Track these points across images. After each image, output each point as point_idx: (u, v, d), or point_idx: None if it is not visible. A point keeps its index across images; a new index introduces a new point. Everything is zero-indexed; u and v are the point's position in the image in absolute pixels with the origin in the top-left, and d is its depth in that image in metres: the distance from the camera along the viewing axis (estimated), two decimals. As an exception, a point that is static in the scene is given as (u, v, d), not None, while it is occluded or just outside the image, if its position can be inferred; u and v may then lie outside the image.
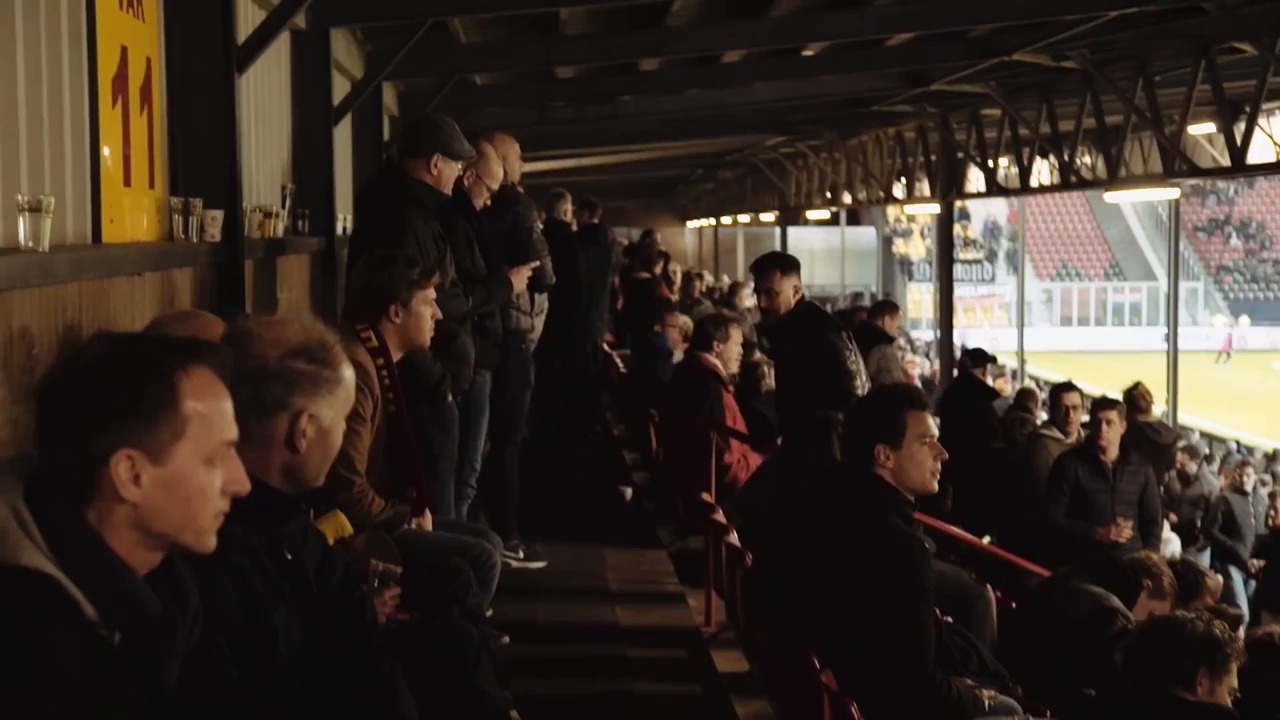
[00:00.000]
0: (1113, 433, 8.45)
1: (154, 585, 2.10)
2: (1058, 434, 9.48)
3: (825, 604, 4.13)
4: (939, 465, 4.24)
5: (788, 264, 7.05)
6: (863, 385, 6.91)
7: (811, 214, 31.72)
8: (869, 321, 11.66)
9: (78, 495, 2.04)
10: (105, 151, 4.56)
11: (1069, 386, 9.92)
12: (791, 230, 36.32)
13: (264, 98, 7.29)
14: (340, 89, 8.98)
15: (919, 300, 52.51)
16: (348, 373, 2.90)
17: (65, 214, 4.17)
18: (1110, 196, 20.75)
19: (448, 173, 5.74)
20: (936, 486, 4.34)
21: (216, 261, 5.43)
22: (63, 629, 1.94)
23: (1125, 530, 8.28)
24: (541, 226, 7.35)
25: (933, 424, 4.28)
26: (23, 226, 3.57)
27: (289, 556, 2.82)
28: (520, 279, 6.40)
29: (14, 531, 1.97)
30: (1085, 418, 9.35)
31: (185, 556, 2.16)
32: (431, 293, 4.65)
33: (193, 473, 2.09)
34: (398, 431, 4.58)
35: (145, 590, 2.07)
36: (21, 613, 1.91)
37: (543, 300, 7.42)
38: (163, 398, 2.07)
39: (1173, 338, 23.34)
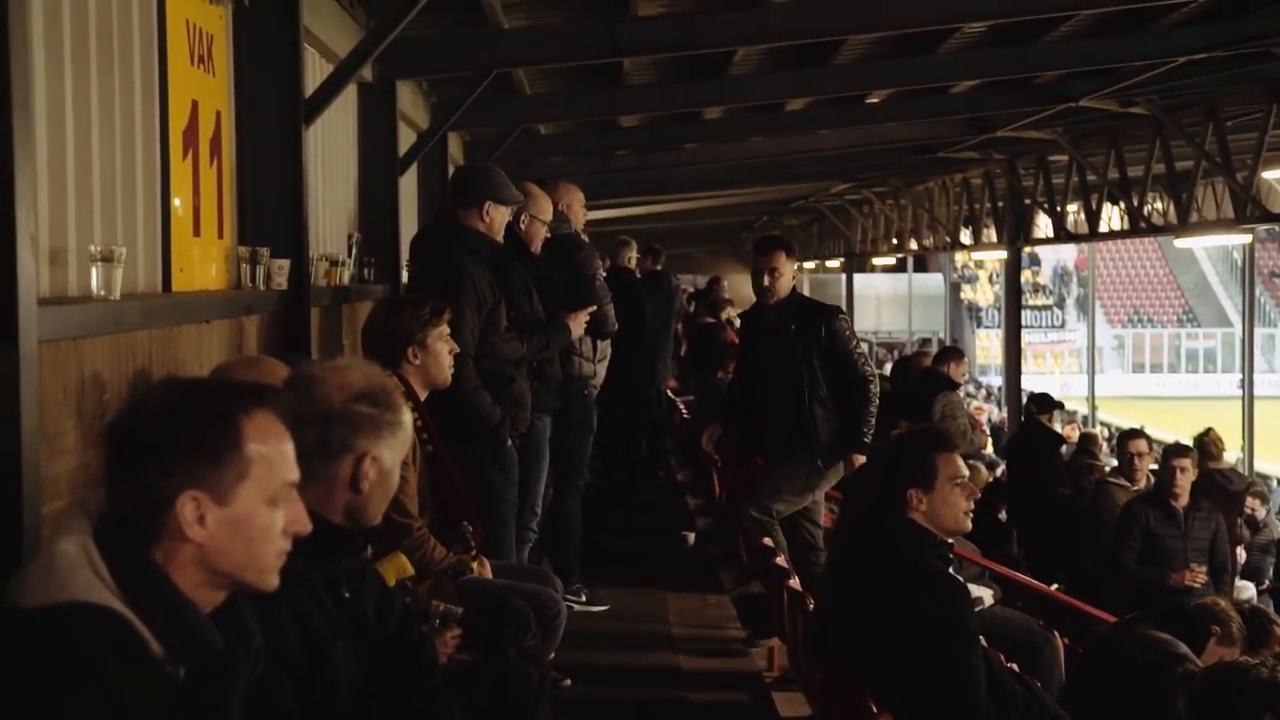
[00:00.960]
0: (1185, 480, 8.38)
1: (218, 623, 2.14)
2: (1124, 481, 9.40)
3: (873, 648, 4.13)
4: (972, 505, 4.25)
5: (791, 248, 7.02)
6: (873, 372, 7.01)
7: (878, 260, 31.67)
8: (934, 368, 11.61)
9: (145, 535, 2.09)
10: (176, 202, 4.66)
11: (1136, 433, 9.84)
12: (858, 277, 36.28)
13: (331, 148, 7.42)
14: (406, 139, 9.12)
15: (987, 346, 52.14)
16: (407, 416, 2.96)
17: (137, 263, 4.27)
18: (1181, 242, 20.57)
19: (499, 219, 5.83)
20: (970, 527, 4.35)
21: (283, 309, 5.52)
22: (130, 665, 1.98)
23: (1199, 575, 8.19)
24: (604, 274, 7.42)
25: (963, 465, 4.28)
26: (95, 276, 3.66)
27: (346, 594, 2.87)
28: (578, 324, 6.44)
29: (83, 569, 2.02)
30: (1153, 465, 9.27)
31: (248, 595, 2.21)
32: (445, 329, 4.70)
33: (256, 513, 2.14)
34: (439, 472, 4.64)
35: (210, 627, 2.11)
36: (90, 648, 1.96)
37: (605, 346, 7.48)
38: (227, 440, 2.12)
39: (1248, 383, 23.01)
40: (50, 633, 1.97)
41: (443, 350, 4.68)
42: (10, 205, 2.83)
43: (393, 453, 2.91)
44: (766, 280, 6.83)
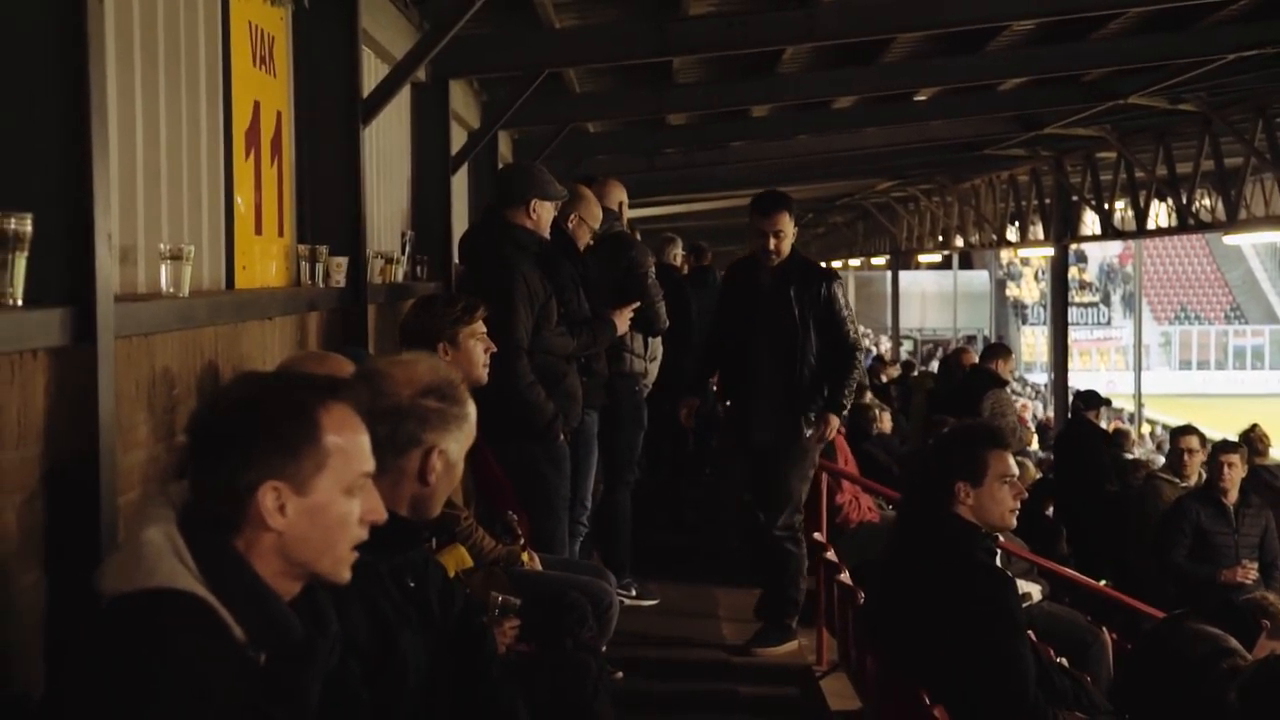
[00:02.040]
0: (1234, 475, 8.38)
1: (297, 611, 2.21)
2: (1173, 478, 9.38)
3: (923, 641, 4.18)
4: (1018, 504, 4.30)
5: (793, 206, 6.78)
6: (861, 341, 7.03)
7: (923, 257, 31.59)
8: (982, 365, 11.60)
9: (227, 524, 2.16)
10: (239, 201, 4.75)
11: (1187, 430, 9.80)
12: (903, 274, 36.18)
13: (386, 147, 7.51)
14: (457, 138, 9.20)
15: (1033, 344, 51.90)
16: (472, 409, 3.02)
17: (202, 261, 4.36)
18: (1230, 239, 20.44)
19: (545, 215, 5.91)
20: (1014, 524, 4.39)
21: (342, 306, 5.61)
22: (215, 649, 2.05)
23: (1251, 572, 8.18)
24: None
25: (1013, 463, 4.32)
26: (164, 273, 3.75)
27: (412, 584, 2.95)
28: (623, 320, 6.50)
29: (169, 557, 2.10)
30: (1203, 460, 9.25)
31: (323, 587, 2.29)
32: (479, 327, 4.72)
33: (334, 502, 2.22)
34: (479, 463, 4.71)
35: (289, 614, 2.19)
36: (177, 632, 2.03)
37: (656, 345, 7.55)
38: (305, 432, 2.20)
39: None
40: (138, 618, 2.05)
41: (476, 348, 4.70)
42: (89, 206, 2.91)
43: (459, 445, 2.97)
44: (772, 242, 6.60)
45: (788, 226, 6.63)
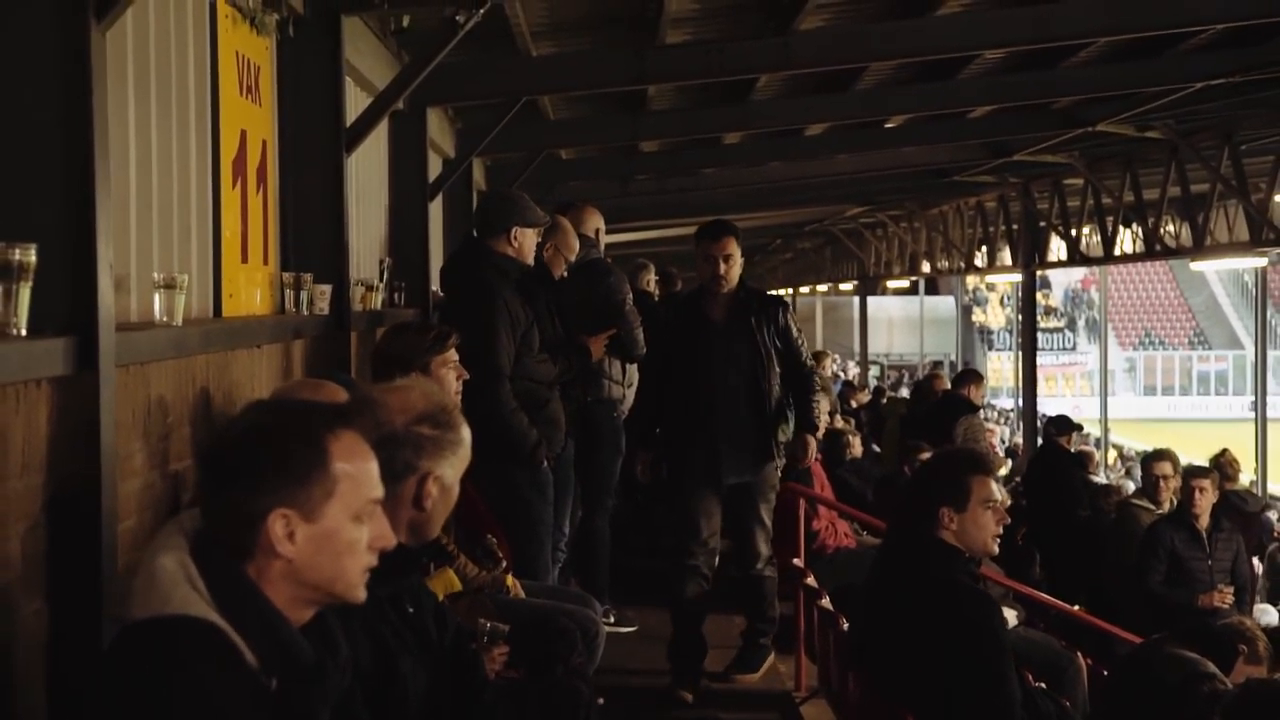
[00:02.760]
0: (1205, 501, 8.47)
1: (307, 635, 2.25)
2: (1148, 504, 9.42)
3: (906, 665, 4.22)
4: (1000, 529, 4.34)
5: (738, 232, 6.54)
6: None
7: (891, 283, 31.74)
8: (954, 391, 11.71)
9: (238, 551, 2.19)
10: (225, 230, 4.78)
11: (1160, 455, 9.81)
12: (870, 299, 36.35)
13: (364, 175, 7.55)
14: (433, 165, 9.24)
15: (999, 369, 52.13)
16: (466, 434, 3.05)
17: (191, 290, 4.37)
18: (1196, 265, 20.64)
19: (528, 242, 5.97)
20: (996, 550, 4.44)
21: (326, 333, 5.63)
22: (227, 674, 2.08)
23: (1227, 596, 8.27)
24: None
25: (996, 489, 4.36)
26: (158, 302, 3.77)
27: (410, 609, 2.97)
28: (598, 347, 6.55)
29: (182, 584, 2.13)
30: (1177, 485, 9.31)
31: (336, 608, 2.32)
32: (452, 355, 4.67)
33: (342, 529, 2.25)
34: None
35: (300, 639, 2.22)
36: (190, 658, 2.06)
37: (634, 371, 7.58)
38: (314, 460, 2.23)
39: (1260, 405, 23.04)
40: (155, 643, 2.08)
41: (448, 377, 4.65)
42: (91, 237, 2.94)
43: (454, 470, 3.00)
44: (721, 268, 6.34)
45: (736, 252, 6.41)
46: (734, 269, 6.39)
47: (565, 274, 6.81)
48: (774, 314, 6.46)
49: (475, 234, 6.17)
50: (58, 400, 2.91)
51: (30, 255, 2.77)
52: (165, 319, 3.75)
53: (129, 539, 3.22)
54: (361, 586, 2.29)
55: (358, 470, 2.28)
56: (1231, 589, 8.33)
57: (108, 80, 3.37)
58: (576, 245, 6.89)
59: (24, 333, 2.78)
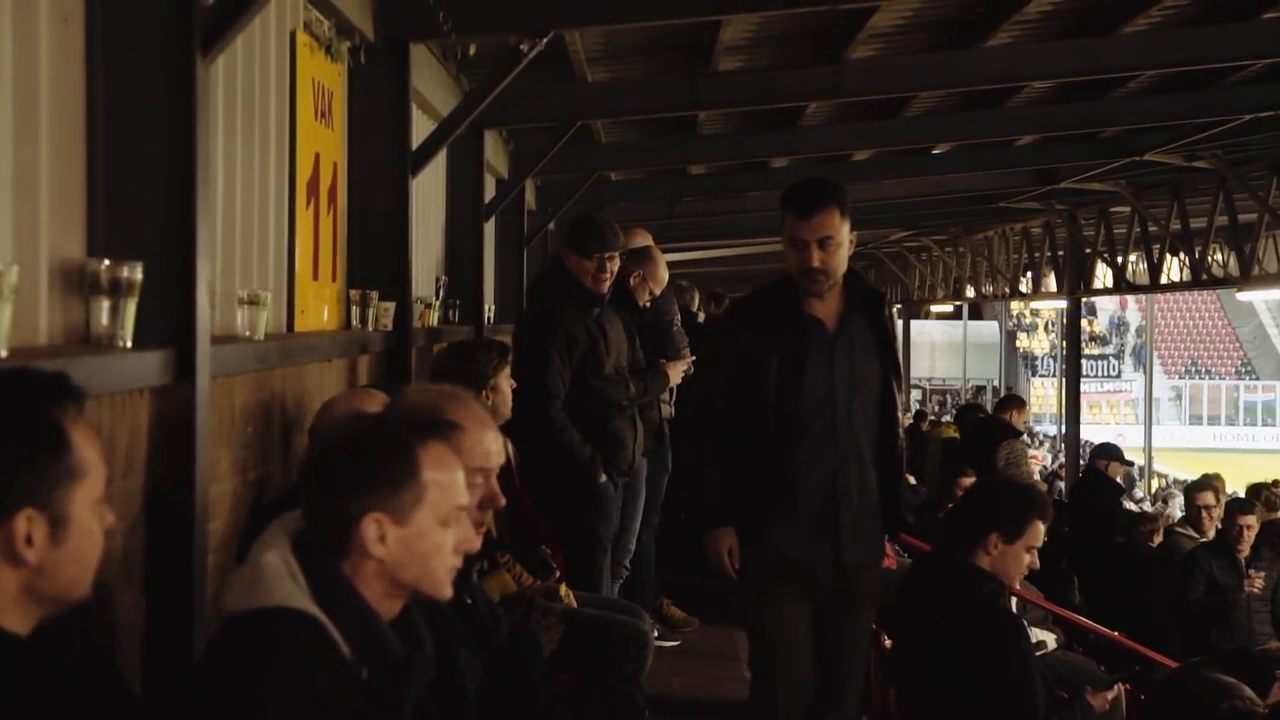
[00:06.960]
0: (1250, 535, 8.58)
1: (395, 631, 2.43)
2: (1192, 532, 9.49)
3: (934, 684, 4.33)
4: (1027, 571, 4.49)
5: (846, 201, 4.30)
6: None
7: (934, 307, 31.78)
8: (996, 416, 11.79)
9: (335, 550, 2.38)
10: (299, 249, 4.99)
11: (1202, 485, 9.90)
12: (913, 323, 36.39)
13: (425, 195, 7.76)
14: (488, 186, 9.45)
15: (1043, 395, 52.00)
16: (473, 428, 3.19)
17: (268, 305, 4.59)
18: (1243, 295, 20.61)
19: (608, 266, 6.04)
20: (1018, 586, 4.58)
21: (388, 348, 5.84)
22: (325, 663, 2.26)
23: (1256, 581, 8.39)
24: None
25: (1042, 536, 4.47)
26: (240, 318, 3.98)
27: (469, 601, 3.14)
28: (676, 372, 6.70)
29: (285, 579, 2.32)
30: (1220, 514, 9.39)
31: (424, 603, 2.50)
32: (508, 368, 4.93)
33: (430, 532, 2.43)
34: (513, 501, 4.90)
35: (390, 634, 2.40)
36: (295, 647, 2.25)
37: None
38: (406, 468, 2.41)
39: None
40: (259, 633, 2.27)
41: (507, 389, 4.91)
42: (192, 256, 3.15)
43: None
44: (816, 258, 4.20)
45: (840, 231, 4.23)
46: (835, 256, 4.24)
47: (647, 304, 6.83)
48: (883, 324, 4.45)
49: (559, 253, 6.32)
50: (157, 408, 3.11)
51: (137, 273, 2.97)
52: (248, 333, 3.95)
53: (216, 540, 3.42)
54: (448, 584, 2.47)
55: (445, 479, 2.46)
56: (1263, 574, 8.47)
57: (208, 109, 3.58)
58: (665, 277, 6.97)
59: (129, 345, 2.98)
